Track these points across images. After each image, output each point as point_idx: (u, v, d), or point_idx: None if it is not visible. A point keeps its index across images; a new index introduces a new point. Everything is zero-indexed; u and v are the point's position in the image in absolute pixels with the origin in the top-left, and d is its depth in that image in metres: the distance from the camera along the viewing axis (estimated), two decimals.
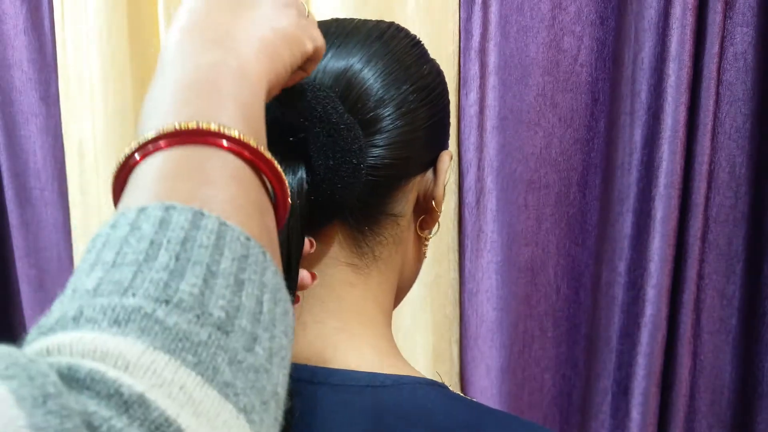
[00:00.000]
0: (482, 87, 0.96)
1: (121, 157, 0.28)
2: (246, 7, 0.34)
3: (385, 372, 0.42)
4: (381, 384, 0.41)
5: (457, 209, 1.01)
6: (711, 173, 0.90)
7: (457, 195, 1.00)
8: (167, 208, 0.24)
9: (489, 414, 0.40)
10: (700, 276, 0.92)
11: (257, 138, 0.29)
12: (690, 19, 0.84)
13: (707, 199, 0.90)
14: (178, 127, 0.27)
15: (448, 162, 0.48)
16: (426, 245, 0.51)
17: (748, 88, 0.88)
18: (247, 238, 0.25)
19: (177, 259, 0.23)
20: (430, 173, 0.47)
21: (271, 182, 0.30)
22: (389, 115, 0.42)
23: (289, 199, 0.31)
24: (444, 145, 0.49)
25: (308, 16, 0.39)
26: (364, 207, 0.43)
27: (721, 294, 0.93)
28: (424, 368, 1.03)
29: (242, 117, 0.29)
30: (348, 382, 0.41)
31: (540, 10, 0.93)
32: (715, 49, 0.85)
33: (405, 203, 0.46)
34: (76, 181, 1.15)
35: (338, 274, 0.44)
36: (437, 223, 0.50)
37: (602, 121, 0.96)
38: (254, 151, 0.28)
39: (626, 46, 0.91)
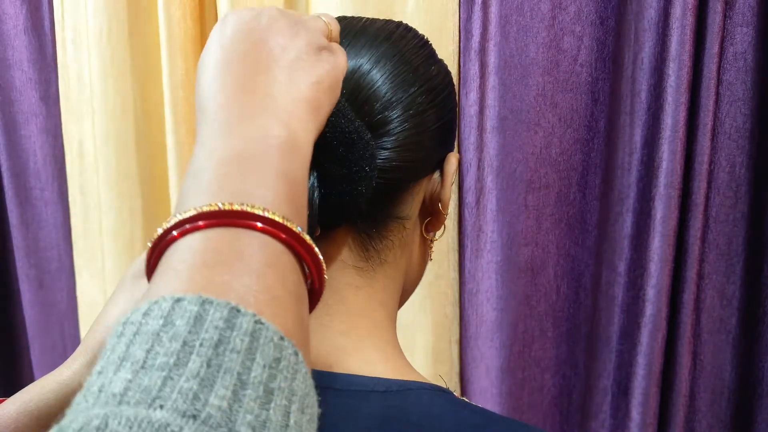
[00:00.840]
0: (482, 87, 0.96)
1: (158, 231, 0.28)
2: (279, 61, 0.33)
3: (390, 377, 0.41)
4: (386, 389, 0.40)
5: (457, 209, 1.01)
6: (711, 173, 0.90)
7: (457, 195, 1.00)
8: (203, 303, 0.24)
9: (495, 420, 0.40)
10: (700, 276, 0.92)
11: (299, 215, 0.29)
12: (690, 19, 0.84)
13: (707, 199, 0.90)
14: (217, 208, 0.26)
15: (455, 164, 0.47)
16: (431, 247, 0.50)
17: (748, 88, 0.88)
18: (281, 338, 0.25)
19: (208, 365, 0.23)
20: (436, 175, 0.47)
21: (309, 268, 0.29)
22: (397, 117, 0.42)
23: (325, 285, 0.31)
24: (451, 147, 0.48)
25: (332, 40, 0.38)
26: (372, 210, 0.43)
27: (721, 294, 0.93)
28: (423, 368, 1.03)
29: (287, 195, 0.28)
30: (353, 387, 0.40)
31: (540, 10, 0.93)
32: (715, 49, 0.85)
33: (412, 206, 0.45)
34: (76, 181, 1.15)
35: (344, 277, 0.44)
36: (443, 226, 0.49)
37: (602, 121, 0.96)
38: (295, 236, 0.28)
39: (626, 46, 0.91)
